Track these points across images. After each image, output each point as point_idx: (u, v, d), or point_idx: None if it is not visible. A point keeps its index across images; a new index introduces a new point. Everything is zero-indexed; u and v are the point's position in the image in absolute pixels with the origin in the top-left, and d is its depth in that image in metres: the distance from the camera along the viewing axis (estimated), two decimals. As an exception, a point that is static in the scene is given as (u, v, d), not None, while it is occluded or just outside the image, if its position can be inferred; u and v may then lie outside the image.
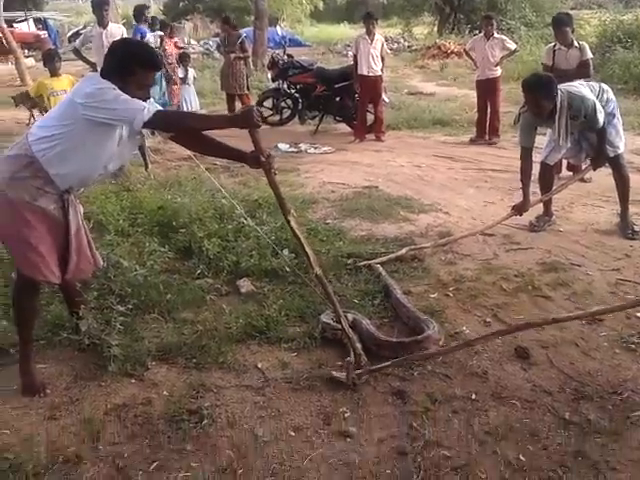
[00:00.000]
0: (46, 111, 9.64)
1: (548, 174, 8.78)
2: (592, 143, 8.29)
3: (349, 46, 27.64)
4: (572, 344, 5.80)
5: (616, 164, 8.51)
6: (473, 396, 5.01)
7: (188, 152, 8.55)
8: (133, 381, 5.30)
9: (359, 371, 5.13)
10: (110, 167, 4.78)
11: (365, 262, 7.31)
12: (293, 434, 4.56)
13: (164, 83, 14.94)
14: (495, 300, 6.68)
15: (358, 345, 5.31)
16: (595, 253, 7.94)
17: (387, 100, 15.15)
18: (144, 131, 4.64)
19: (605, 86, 8.48)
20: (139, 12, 15.05)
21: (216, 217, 8.36)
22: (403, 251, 7.62)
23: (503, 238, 8.49)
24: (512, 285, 7.01)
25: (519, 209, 8.28)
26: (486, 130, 14.05)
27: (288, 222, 5.19)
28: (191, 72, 15.53)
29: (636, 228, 8.40)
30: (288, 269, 6.87)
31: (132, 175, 10.73)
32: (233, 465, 4.22)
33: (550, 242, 8.35)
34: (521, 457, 4.24)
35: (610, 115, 8.18)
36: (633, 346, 5.63)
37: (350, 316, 5.92)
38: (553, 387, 5.10)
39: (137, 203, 8.93)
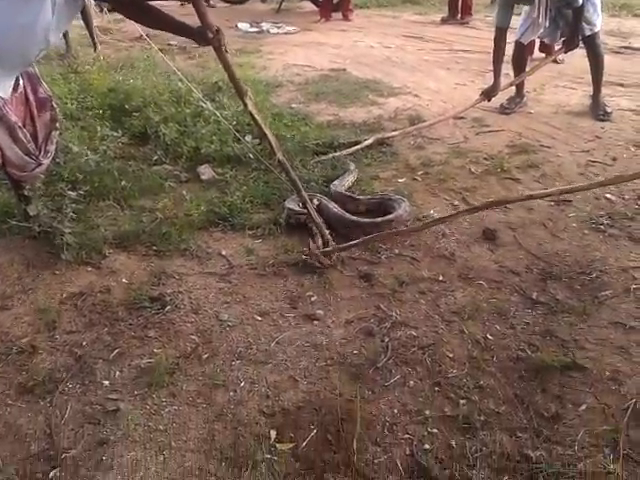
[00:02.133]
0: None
1: (522, 54, 8.44)
2: (568, 21, 7.91)
3: None
4: (540, 225, 5.73)
5: (591, 44, 8.18)
6: (440, 277, 4.95)
7: (140, 31, 7.87)
8: (90, 269, 5.07)
9: (327, 249, 5.00)
10: (51, 39, 4.30)
11: (332, 154, 6.98)
12: (259, 318, 4.46)
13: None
14: (463, 183, 6.53)
15: (325, 229, 5.14)
16: (566, 135, 7.77)
17: (354, -24, 14.20)
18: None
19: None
20: None
21: (172, 101, 7.87)
22: (370, 140, 7.31)
23: (473, 121, 8.23)
24: (481, 168, 6.85)
25: (488, 94, 8.00)
26: (458, 9, 13.37)
27: (245, 105, 4.82)
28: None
29: (608, 109, 8.22)
30: (251, 155, 6.54)
31: (80, 57, 9.97)
32: (198, 350, 4.11)
33: (521, 124, 8.14)
34: (489, 336, 4.22)
35: (589, -9, 7.74)
36: (602, 227, 5.59)
37: (316, 200, 5.71)
38: (520, 268, 5.05)
39: (86, 86, 8.33)
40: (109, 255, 5.24)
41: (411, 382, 3.77)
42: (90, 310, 4.58)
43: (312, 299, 4.69)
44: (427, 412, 3.55)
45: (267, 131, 4.98)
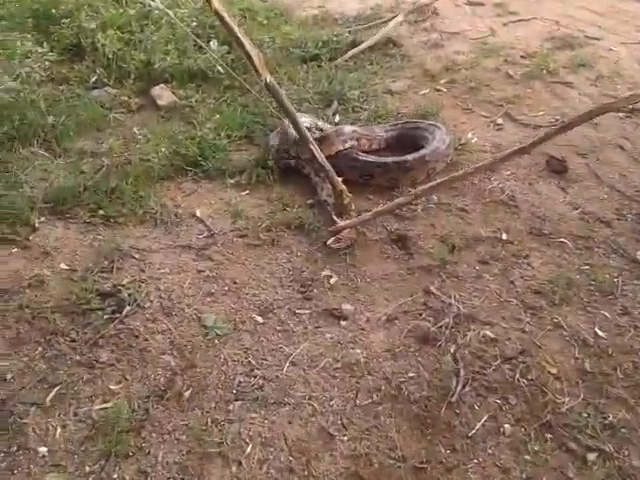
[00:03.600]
0: None
1: None
2: None
3: None
4: (615, 147, 4.36)
5: None
6: (504, 236, 3.59)
7: None
8: (15, 250, 3.56)
9: (352, 221, 3.55)
10: None
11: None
12: (260, 320, 3.08)
13: None
14: (502, 92, 5.05)
15: (337, 178, 3.66)
16: (612, 22, 6.20)
17: None
18: None
19: None
20: None
21: (111, 0, 6.00)
22: (375, 39, 5.65)
23: (496, 7, 6.57)
24: (521, 70, 5.32)
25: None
26: None
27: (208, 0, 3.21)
28: None
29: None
30: (221, 69, 4.86)
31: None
32: (176, 383, 2.74)
33: (554, 10, 6.51)
34: (599, 332, 2.94)
35: None
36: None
37: (317, 132, 4.18)
38: (609, 213, 3.71)
39: (-4, -15, 6.34)
40: (40, 226, 3.73)
41: (506, 426, 2.47)
42: (16, 318, 3.13)
43: (331, 281, 3.31)
44: None
45: (243, 39, 3.37)
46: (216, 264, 3.47)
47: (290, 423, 2.52)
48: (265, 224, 3.73)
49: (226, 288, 3.31)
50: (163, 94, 5.02)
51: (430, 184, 3.52)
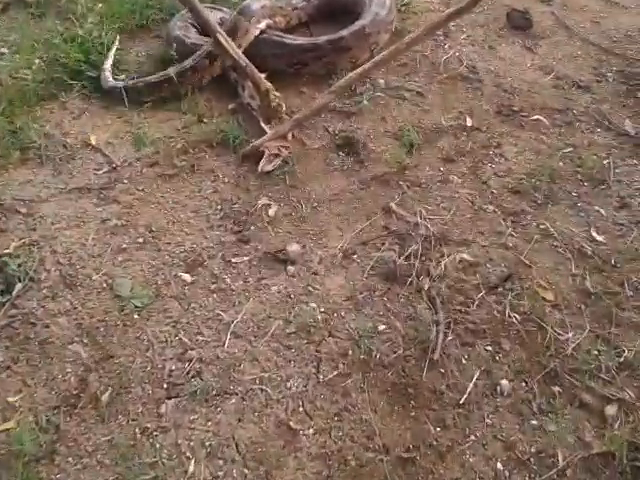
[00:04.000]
0: None
1: None
2: None
3: None
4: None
5: None
6: (468, 122, 2.94)
7: None
8: None
9: (283, 128, 2.86)
10: None
11: None
12: (187, 278, 2.48)
13: None
14: None
15: (259, 75, 2.91)
16: None
17: None
18: None
19: None
20: None
21: None
22: None
23: None
24: None
25: None
26: None
27: None
28: None
29: None
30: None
31: None
32: (90, 383, 2.18)
33: None
34: (597, 236, 2.40)
35: None
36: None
37: (223, 16, 3.34)
38: (585, 74, 3.06)
39: None
40: None
41: (503, 382, 2.02)
42: None
43: (271, 212, 2.69)
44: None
45: None
46: (124, 208, 2.79)
47: (240, 421, 2.01)
48: (179, 145, 3.02)
49: (140, 240, 2.66)
50: (29, -16, 3.97)
51: (372, 61, 2.80)
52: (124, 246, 2.64)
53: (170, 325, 2.33)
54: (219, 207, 2.76)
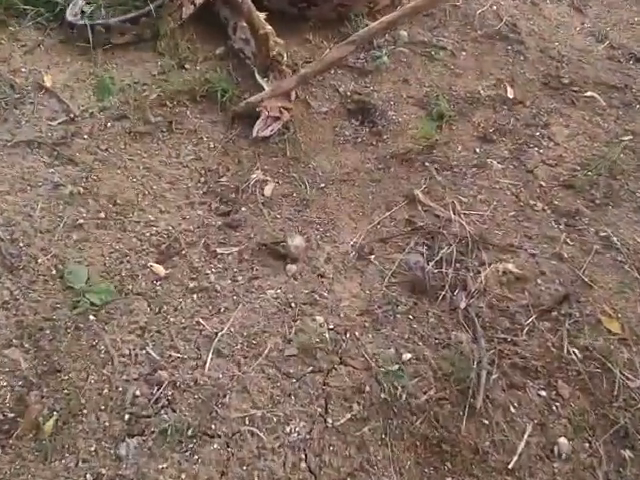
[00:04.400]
0: None
1: None
2: None
3: None
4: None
5: None
6: (509, 92, 2.44)
7: None
8: None
9: (287, 84, 2.32)
10: None
11: None
12: (161, 272, 1.99)
13: None
14: None
15: (257, 13, 2.35)
16: None
17: None
18: None
19: None
20: None
21: None
22: None
23: None
24: None
25: None
26: None
27: None
28: None
29: None
30: None
31: None
32: (30, 406, 1.69)
33: None
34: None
35: None
36: None
37: None
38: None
39: None
40: None
41: (561, 441, 1.60)
42: None
43: (267, 191, 2.18)
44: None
45: None
46: (82, 171, 2.25)
47: (223, 475, 1.54)
48: (154, 95, 2.45)
49: (102, 214, 2.12)
50: None
51: (405, 7, 2.27)
52: (80, 221, 2.11)
53: (135, 333, 1.83)
54: (202, 179, 2.23)
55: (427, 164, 2.23)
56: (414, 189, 2.14)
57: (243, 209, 2.13)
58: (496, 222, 2.05)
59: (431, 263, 1.92)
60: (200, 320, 1.85)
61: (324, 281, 1.92)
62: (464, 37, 2.64)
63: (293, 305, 1.86)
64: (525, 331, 1.79)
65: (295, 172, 2.24)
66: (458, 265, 1.93)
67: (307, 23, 2.72)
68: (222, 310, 1.87)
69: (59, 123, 2.42)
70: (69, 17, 2.67)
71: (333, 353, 1.75)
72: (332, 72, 2.56)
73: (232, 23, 2.64)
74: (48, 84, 2.54)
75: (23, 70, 2.58)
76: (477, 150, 2.27)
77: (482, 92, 2.42)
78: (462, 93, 2.45)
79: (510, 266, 1.92)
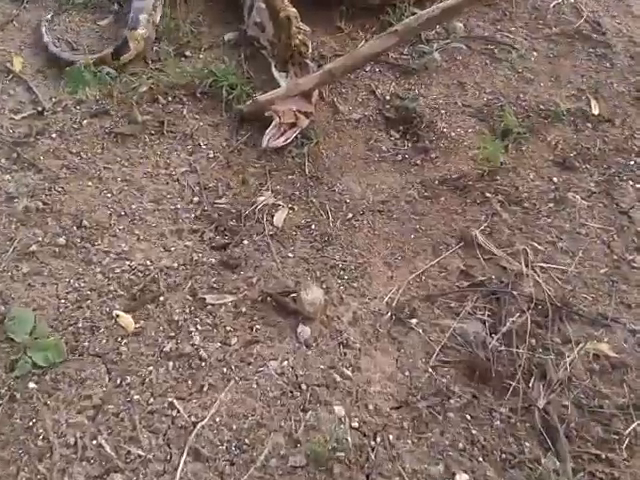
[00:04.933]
0: None
1: None
2: None
3: None
4: None
5: None
6: (594, 107, 1.91)
7: None
8: None
9: (305, 81, 1.81)
10: None
11: None
12: (130, 325, 1.49)
13: None
14: None
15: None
16: None
17: None
18: None
19: None
20: None
21: None
22: None
23: None
24: None
25: None
26: None
27: None
28: None
29: None
30: None
31: None
32: None
33: None
34: None
35: None
36: None
37: None
38: None
39: None
40: None
41: None
42: None
43: (277, 218, 1.68)
44: None
45: None
46: (46, 179, 1.77)
47: None
48: (144, 88, 1.95)
49: (62, 239, 1.64)
50: None
51: (444, 4, 1.76)
52: (34, 248, 1.63)
53: (86, 414, 1.34)
54: (195, 199, 1.73)
55: (489, 195, 1.70)
56: (471, 228, 1.62)
57: (245, 242, 1.62)
58: (583, 281, 1.52)
59: (496, 336, 1.40)
60: (174, 401, 1.34)
61: (348, 353, 1.40)
62: (535, 34, 2.11)
63: (304, 387, 1.35)
64: (625, 444, 1.27)
65: (315, 196, 1.73)
66: (533, 342, 1.40)
67: (338, 8, 2.20)
68: (206, 388, 1.36)
69: (23, 117, 1.94)
70: None
71: (357, 467, 1.23)
72: (367, 69, 2.04)
73: (249, 2, 2.13)
74: (17, 68, 2.06)
75: (-15, 48, 2.11)
76: (554, 180, 1.74)
77: (559, 104, 1.88)
78: (533, 104, 1.91)
79: (604, 347, 1.39)
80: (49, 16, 2.16)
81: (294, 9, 1.93)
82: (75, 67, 1.87)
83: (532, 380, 1.35)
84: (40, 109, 1.94)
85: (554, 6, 2.21)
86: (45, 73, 2.04)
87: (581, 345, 1.40)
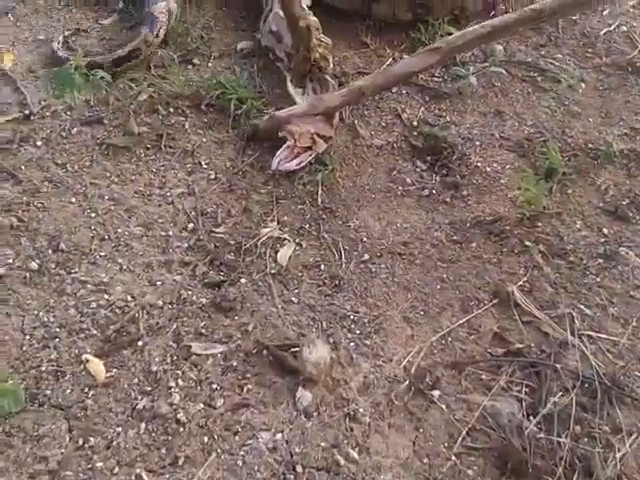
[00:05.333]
0: None
1: None
2: None
3: None
4: None
5: None
6: None
7: None
8: None
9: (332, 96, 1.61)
10: None
11: None
12: (100, 376, 1.24)
13: None
14: None
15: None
16: None
17: None
18: None
19: None
20: None
21: None
22: None
23: None
24: None
25: None
26: None
27: None
28: None
29: None
30: None
31: None
32: None
33: None
34: None
35: None
36: None
37: None
38: None
39: None
40: None
41: None
42: None
43: (282, 255, 1.47)
44: None
45: None
46: (25, 193, 1.59)
47: None
48: (144, 96, 1.74)
49: (35, 263, 1.45)
50: None
51: (509, 16, 1.54)
52: (1, 271, 1.40)
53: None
54: (190, 226, 1.51)
55: (529, 244, 1.47)
56: (508, 282, 1.39)
57: (243, 281, 1.40)
58: (638, 356, 1.29)
59: (534, 420, 1.16)
60: (143, 474, 1.11)
61: (355, 429, 1.17)
62: (583, 63, 1.89)
63: (299, 469, 1.12)
64: None
65: (327, 231, 1.50)
66: (578, 429, 1.17)
67: (366, 22, 1.99)
68: (181, 461, 1.13)
69: (8, 121, 1.73)
70: None
71: None
72: (394, 90, 1.82)
73: (267, 9, 1.93)
74: (7, 65, 1.86)
75: (-22, 43, 1.91)
76: (604, 231, 1.51)
77: (611, 144, 1.65)
78: (581, 142, 1.69)
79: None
80: (61, 37, 1.93)
81: (315, 18, 1.73)
82: (64, 68, 1.66)
83: (575, 477, 1.11)
84: (27, 112, 1.74)
85: (605, 33, 1.99)
86: (37, 73, 1.84)
87: (634, 436, 1.16)
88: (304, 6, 1.73)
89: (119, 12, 2.02)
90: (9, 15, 2.03)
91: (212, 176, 1.63)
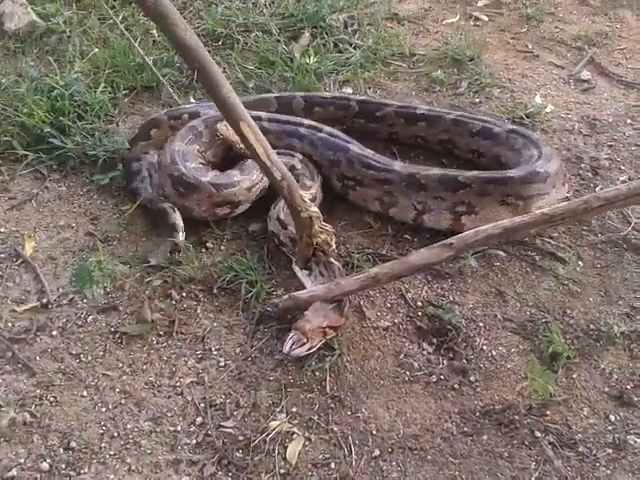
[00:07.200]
0: None
1: None
2: None
3: None
4: None
5: None
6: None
7: None
8: None
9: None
10: None
11: None
12: None
13: None
14: (578, 26, 3.11)
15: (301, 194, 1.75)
16: None
17: None
18: None
19: None
20: None
21: None
22: None
23: None
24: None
25: None
26: None
27: None
28: None
29: None
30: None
31: None
32: None
33: None
34: None
35: None
36: None
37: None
38: None
39: None
40: None
41: None
42: None
43: (291, 452, 1.44)
44: None
45: None
46: (38, 386, 1.63)
47: None
48: (158, 281, 1.80)
49: (47, 463, 1.50)
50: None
51: (505, 223, 1.64)
52: (13, 472, 1.44)
53: None
54: (199, 419, 1.52)
55: (538, 434, 1.47)
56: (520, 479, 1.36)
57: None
58: None
59: None
60: None
61: None
62: (579, 241, 1.97)
63: None
64: None
65: (337, 422, 1.51)
66: None
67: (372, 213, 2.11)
68: None
69: (26, 310, 1.79)
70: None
71: None
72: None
73: (280, 197, 2.05)
74: (28, 252, 1.96)
75: (2, 231, 2.02)
76: (611, 418, 1.51)
77: (612, 326, 1.69)
78: (582, 322, 1.73)
79: None
80: None
81: (316, 209, 1.82)
82: (85, 265, 1.75)
83: None
84: (45, 301, 1.81)
85: (603, 224, 2.07)
86: (57, 261, 1.93)
87: None
88: (306, 198, 1.82)
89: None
90: (32, 201, 2.16)
91: (222, 363, 1.66)
